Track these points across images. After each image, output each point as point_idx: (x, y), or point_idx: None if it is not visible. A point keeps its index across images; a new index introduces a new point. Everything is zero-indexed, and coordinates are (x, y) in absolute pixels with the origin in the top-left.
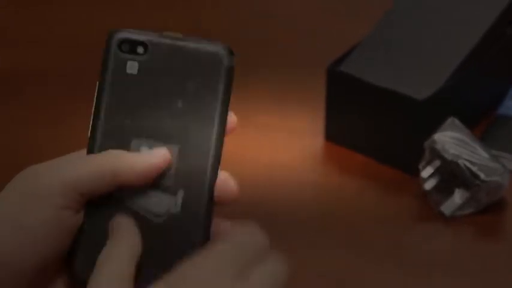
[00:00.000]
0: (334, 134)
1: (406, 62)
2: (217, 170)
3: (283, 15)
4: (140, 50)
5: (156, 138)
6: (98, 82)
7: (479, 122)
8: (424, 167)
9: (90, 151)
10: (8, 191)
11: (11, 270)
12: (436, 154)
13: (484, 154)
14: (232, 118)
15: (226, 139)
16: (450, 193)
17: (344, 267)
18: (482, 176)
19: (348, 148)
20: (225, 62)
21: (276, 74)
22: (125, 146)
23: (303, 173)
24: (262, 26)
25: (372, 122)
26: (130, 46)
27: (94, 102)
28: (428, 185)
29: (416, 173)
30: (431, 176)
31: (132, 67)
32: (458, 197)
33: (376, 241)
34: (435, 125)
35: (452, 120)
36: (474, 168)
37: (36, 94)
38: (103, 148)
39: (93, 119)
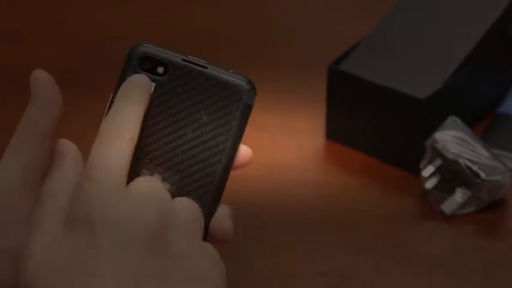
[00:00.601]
0: (335, 133)
1: (407, 61)
2: (216, 205)
3: (283, 13)
4: (160, 70)
5: (159, 162)
6: (111, 95)
7: (480, 121)
8: (425, 166)
9: None
10: None
11: None
12: (437, 153)
13: (485, 153)
14: (247, 152)
15: None
16: (451, 192)
17: (344, 266)
18: (483, 175)
19: (349, 147)
20: (244, 98)
21: (276, 73)
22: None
23: (303, 171)
24: (262, 25)
25: (372, 121)
26: (151, 64)
27: (104, 115)
28: (429, 184)
29: (417, 172)
30: (432, 175)
31: None
32: (459, 196)
33: (377, 240)
34: (436, 123)
35: (453, 119)
36: (475, 167)
37: None
38: None
39: None
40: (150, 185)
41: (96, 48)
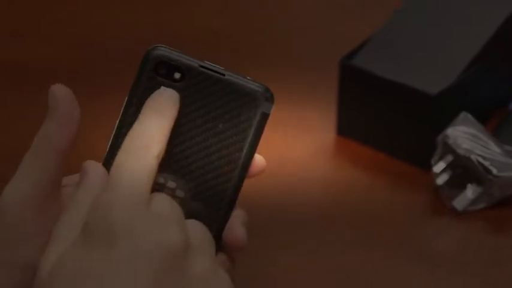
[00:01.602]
0: (345, 128)
1: (418, 57)
2: (230, 213)
3: (283, 13)
4: (177, 76)
5: (174, 169)
6: (126, 98)
7: (491, 117)
8: (436, 162)
9: (105, 166)
10: None
11: None
12: (449, 149)
13: (497, 149)
14: (261, 161)
15: None
16: (462, 188)
17: (354, 262)
18: (494, 171)
19: (360, 142)
20: (261, 107)
21: (276, 73)
22: None
23: (313, 167)
24: (262, 25)
25: (384, 117)
26: (167, 70)
27: (118, 119)
28: (441, 180)
29: (428, 167)
30: (443, 170)
31: None
32: (470, 192)
33: (387, 236)
34: (448, 119)
35: (465, 115)
36: (487, 163)
37: (36, 91)
38: None
39: (114, 136)
40: (170, 203)
41: (96, 48)
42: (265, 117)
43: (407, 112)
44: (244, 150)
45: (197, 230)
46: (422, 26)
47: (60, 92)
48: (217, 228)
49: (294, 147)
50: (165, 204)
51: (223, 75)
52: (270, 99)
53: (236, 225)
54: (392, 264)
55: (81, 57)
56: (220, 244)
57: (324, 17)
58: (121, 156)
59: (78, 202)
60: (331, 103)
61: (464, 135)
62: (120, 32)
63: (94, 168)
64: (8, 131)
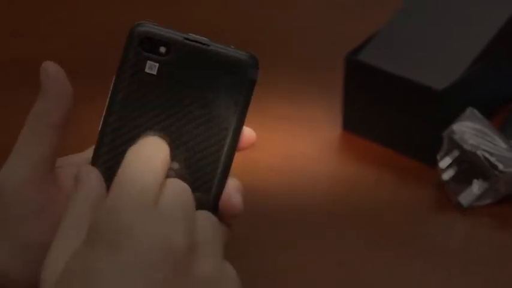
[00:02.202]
0: (351, 124)
1: (424, 53)
2: (225, 181)
3: (283, 13)
4: (162, 50)
5: (167, 141)
6: (114, 76)
7: (497, 113)
8: (442, 157)
9: (99, 145)
10: None
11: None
12: (455, 144)
13: (503, 145)
14: (251, 134)
15: None
16: (468, 184)
17: (355, 261)
18: (500, 166)
19: (366, 138)
20: (248, 74)
21: (276, 73)
22: (134, 143)
23: (319, 163)
24: (262, 25)
25: (390, 112)
26: (153, 45)
27: (108, 97)
28: (446, 176)
29: (434, 163)
30: (449, 166)
31: (151, 67)
32: (476, 187)
33: (393, 231)
34: (454, 115)
35: (471, 111)
36: (493, 159)
37: (36, 91)
38: (113, 144)
39: (105, 115)
40: (179, 200)
41: (96, 48)
42: (252, 84)
43: (413, 107)
44: (235, 117)
45: (206, 226)
46: (424, 25)
47: (51, 68)
48: (213, 196)
49: (295, 146)
50: (173, 203)
51: (208, 45)
52: (255, 65)
53: (232, 193)
54: (399, 258)
55: (81, 57)
56: (217, 212)
57: (324, 17)
58: (129, 158)
59: (77, 204)
60: (332, 103)
61: (470, 130)
62: (120, 32)
63: (91, 172)
64: (8, 131)
